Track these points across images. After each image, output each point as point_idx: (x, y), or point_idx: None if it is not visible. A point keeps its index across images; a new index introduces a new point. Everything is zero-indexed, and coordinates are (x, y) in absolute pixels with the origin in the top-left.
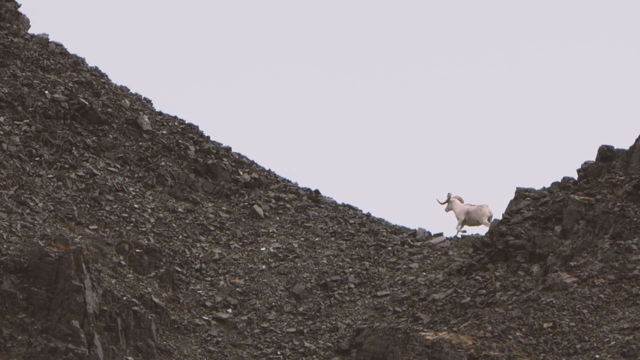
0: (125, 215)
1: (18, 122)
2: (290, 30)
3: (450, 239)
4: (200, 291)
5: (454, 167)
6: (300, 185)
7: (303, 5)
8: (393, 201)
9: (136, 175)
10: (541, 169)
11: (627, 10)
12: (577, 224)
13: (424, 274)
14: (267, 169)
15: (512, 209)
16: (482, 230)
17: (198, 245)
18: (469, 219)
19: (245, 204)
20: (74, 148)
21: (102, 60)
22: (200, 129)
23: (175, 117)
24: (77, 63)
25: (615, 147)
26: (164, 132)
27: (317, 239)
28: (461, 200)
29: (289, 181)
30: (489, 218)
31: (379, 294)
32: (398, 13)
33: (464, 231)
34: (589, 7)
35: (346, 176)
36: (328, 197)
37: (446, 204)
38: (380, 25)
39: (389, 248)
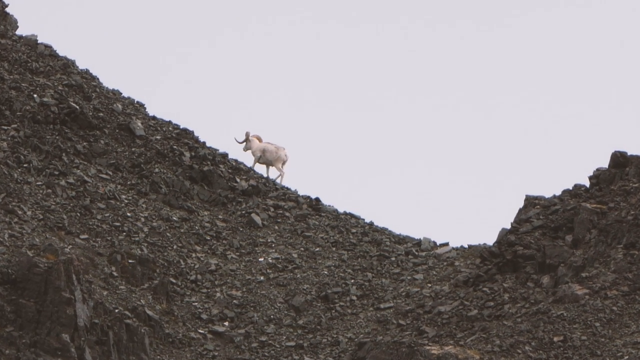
0: (118, 224)
1: (5, 127)
2: (288, 33)
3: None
4: (196, 303)
5: (459, 173)
6: (300, 193)
7: (304, 8)
8: (397, 209)
9: (129, 183)
10: (551, 175)
11: None
12: (589, 234)
13: (429, 285)
14: (265, 176)
15: (521, 218)
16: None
17: (193, 255)
18: (264, 157)
19: (243, 212)
20: (64, 154)
21: (93, 63)
22: (196, 134)
23: (170, 122)
24: (67, 65)
25: (628, 153)
26: (158, 137)
27: (317, 249)
28: (259, 140)
29: (288, 189)
30: (283, 163)
31: (382, 306)
32: (403, 18)
33: (266, 176)
34: (599, 7)
35: (348, 183)
36: (329, 206)
37: (245, 142)
38: (385, 28)
39: (393, 258)
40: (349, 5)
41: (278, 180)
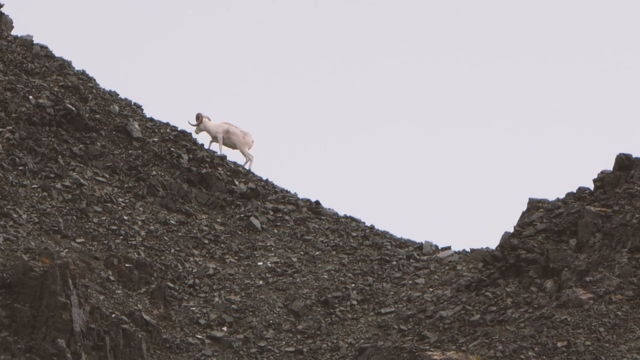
0: (114, 227)
1: (0, 129)
2: (287, 33)
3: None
4: (194, 308)
5: (461, 176)
6: (300, 196)
7: (301, 8)
8: (398, 213)
9: (126, 186)
10: (555, 178)
11: None
12: (593, 237)
13: (431, 290)
14: (264, 178)
15: (525, 221)
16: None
17: (191, 259)
18: (228, 139)
19: (242, 215)
20: (59, 156)
21: (90, 64)
22: (194, 136)
23: (168, 124)
24: (63, 66)
25: (633, 156)
26: (156, 139)
27: (317, 252)
28: (209, 119)
29: (287, 192)
30: (249, 148)
31: (383, 311)
32: (402, 14)
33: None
34: (603, 9)
35: (348, 186)
36: (329, 209)
37: (198, 125)
38: (383, 27)
39: (394, 262)
40: None
41: (247, 166)
